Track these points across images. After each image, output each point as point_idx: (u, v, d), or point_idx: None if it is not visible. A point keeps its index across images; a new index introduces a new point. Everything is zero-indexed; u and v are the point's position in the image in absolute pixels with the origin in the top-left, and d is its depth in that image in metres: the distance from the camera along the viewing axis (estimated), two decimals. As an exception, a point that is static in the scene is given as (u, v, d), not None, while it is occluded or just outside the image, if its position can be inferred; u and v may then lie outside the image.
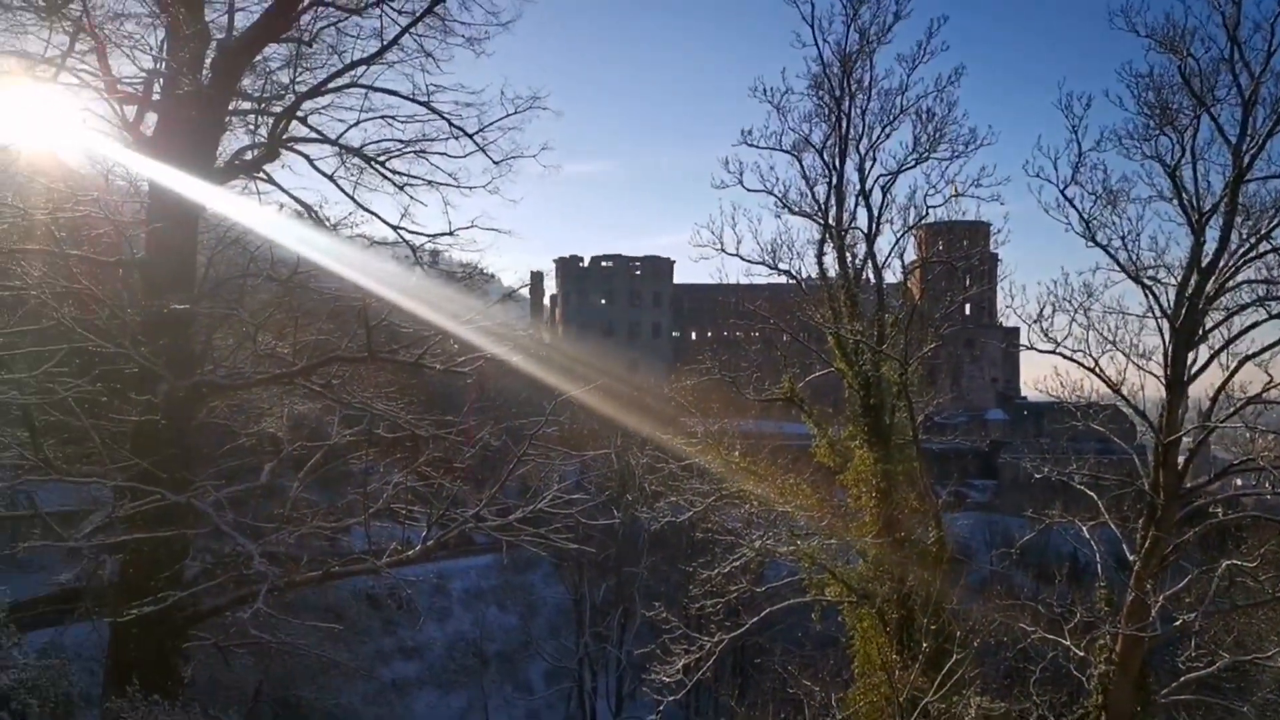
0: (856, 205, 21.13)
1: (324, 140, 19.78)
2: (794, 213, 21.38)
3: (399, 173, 19.98)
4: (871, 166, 20.86)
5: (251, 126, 20.23)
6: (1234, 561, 16.43)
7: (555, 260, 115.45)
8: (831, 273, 21.25)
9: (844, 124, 20.29)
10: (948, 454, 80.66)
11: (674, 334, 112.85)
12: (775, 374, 22.77)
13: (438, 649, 49.21)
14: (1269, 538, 20.32)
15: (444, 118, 19.53)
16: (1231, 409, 17.23)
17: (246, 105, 20.02)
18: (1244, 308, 17.12)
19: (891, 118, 19.93)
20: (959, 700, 15.50)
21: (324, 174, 19.98)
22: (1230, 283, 17.33)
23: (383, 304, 16.59)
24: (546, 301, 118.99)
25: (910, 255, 24.52)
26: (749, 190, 21.32)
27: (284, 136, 19.66)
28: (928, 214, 20.36)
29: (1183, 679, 17.96)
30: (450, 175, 20.00)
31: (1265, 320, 16.82)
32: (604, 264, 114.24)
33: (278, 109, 19.81)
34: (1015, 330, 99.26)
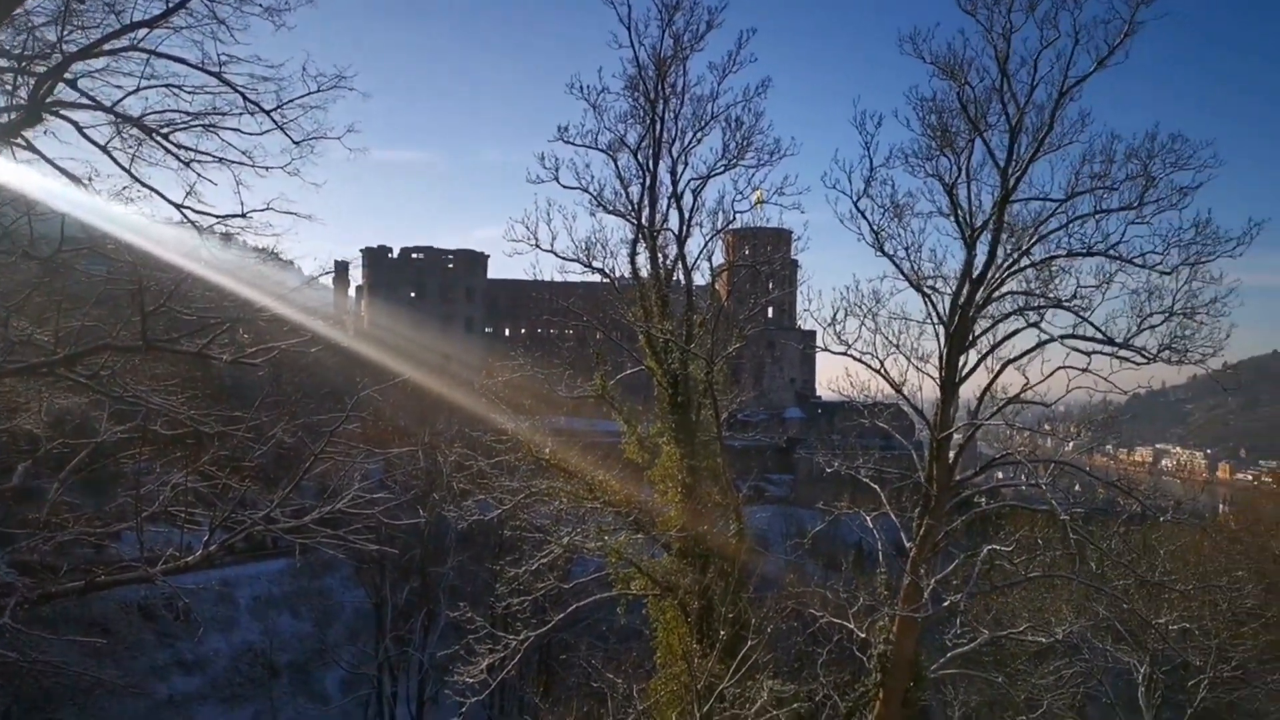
0: (669, 207, 21.65)
1: (97, 107, 17.79)
2: (608, 211, 21.58)
3: (185, 147, 18.27)
4: (683, 170, 21.45)
5: (9, 87, 17.92)
6: (994, 546, 18.08)
7: (362, 250, 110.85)
8: (644, 272, 21.63)
9: (658, 127, 20.70)
10: (749, 450, 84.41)
11: (487, 330, 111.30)
12: (588, 371, 22.91)
13: (222, 661, 45.94)
14: (1023, 524, 22.64)
15: (238, 91, 18.08)
16: (995, 408, 18.97)
17: (3, 63, 17.72)
18: (1006, 316, 18.90)
19: (703, 124, 20.55)
20: (753, 685, 16.18)
21: (96, 144, 17.96)
22: (996, 293, 19.04)
23: (162, 288, 15.16)
24: (352, 293, 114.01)
25: (719, 258, 25.38)
26: (565, 187, 21.33)
27: (48, 100, 17.53)
28: (735, 219, 21.16)
29: (949, 655, 19.66)
30: (244, 153, 18.50)
31: (1024, 328, 18.65)
32: (415, 256, 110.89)
33: (41, 69, 17.66)
34: (812, 333, 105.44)
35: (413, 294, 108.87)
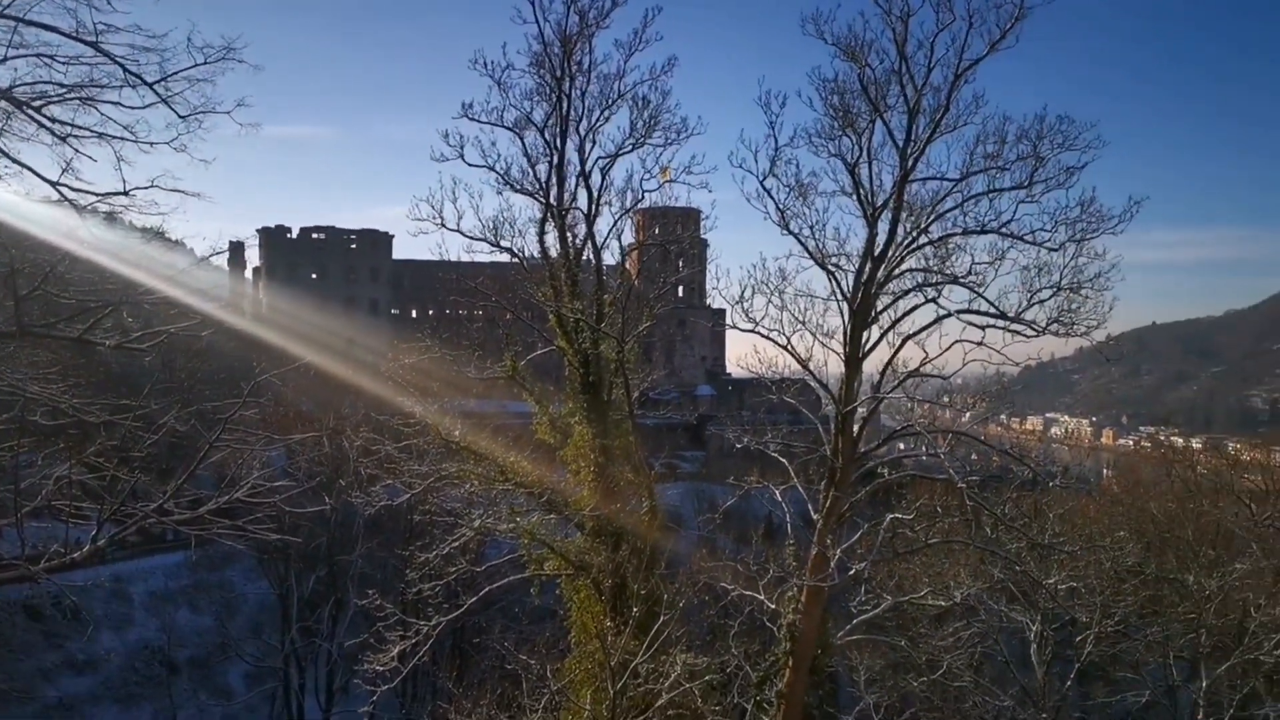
0: (577, 186, 21.44)
1: (-43, 76, 16.55)
2: (516, 190, 21.26)
3: (60, 121, 17.13)
4: (591, 148, 21.26)
5: None
6: (896, 515, 18.71)
7: (259, 230, 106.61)
8: (553, 252, 21.42)
9: (565, 104, 20.45)
10: (661, 428, 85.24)
11: (393, 311, 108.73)
12: (498, 352, 22.63)
13: (116, 660, 43.97)
14: (924, 493, 23.52)
15: (117, 62, 17.00)
16: (896, 382, 19.55)
17: None
18: (907, 293, 19.45)
19: (610, 102, 20.39)
20: (666, 659, 16.38)
21: (-43, 117, 16.74)
22: (897, 271, 19.57)
23: (38, 271, 14.26)
24: (249, 275, 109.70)
25: (628, 237, 25.34)
26: (470, 165, 20.90)
27: (-102, 68, 16.22)
28: (643, 198, 21.12)
29: (855, 621, 20.31)
30: (126, 128, 17.45)
31: (923, 304, 19.22)
32: (315, 236, 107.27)
33: (-110, 34, 16.28)
34: (722, 311, 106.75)
35: (314, 275, 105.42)
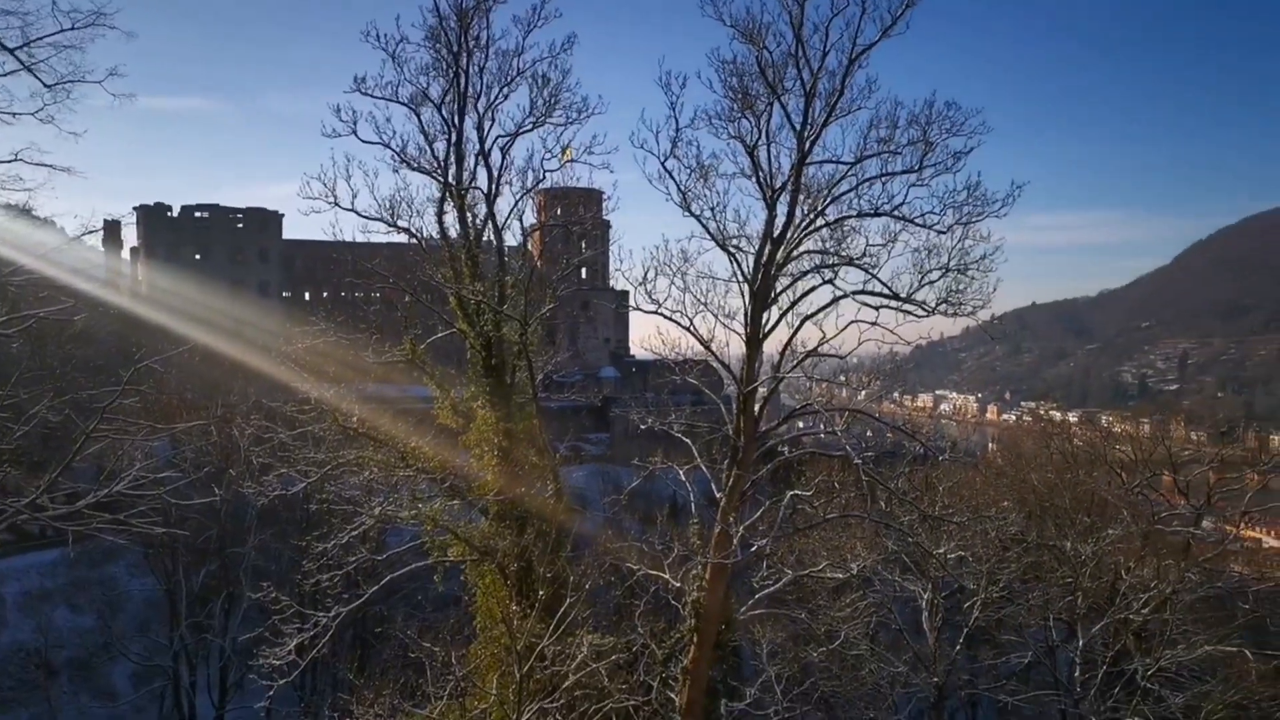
0: (477, 165, 21.07)
1: None
2: (413, 168, 20.74)
3: (-93, 87, 15.85)
4: (491, 127, 20.90)
5: None
6: (795, 492, 19.17)
7: (136, 208, 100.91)
8: (453, 232, 21.01)
9: (462, 81, 20.01)
10: (565, 411, 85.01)
11: (285, 294, 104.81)
12: (397, 335, 22.08)
13: (-13, 665, 41.38)
14: (822, 470, 24.14)
15: (-29, 24, 15.83)
16: (795, 362, 19.95)
17: None
18: (805, 274, 19.84)
19: (509, 79, 20.06)
20: (573, 641, 16.41)
21: None
22: (795, 252, 19.92)
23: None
24: (126, 255, 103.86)
25: (530, 218, 25.03)
26: (364, 142, 20.27)
27: None
28: (545, 178, 20.88)
29: (757, 596, 20.77)
30: (-16, 97, 16.26)
31: (820, 285, 19.64)
32: (198, 214, 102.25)
33: None
34: (625, 293, 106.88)
35: (197, 256, 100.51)
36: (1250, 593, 41.43)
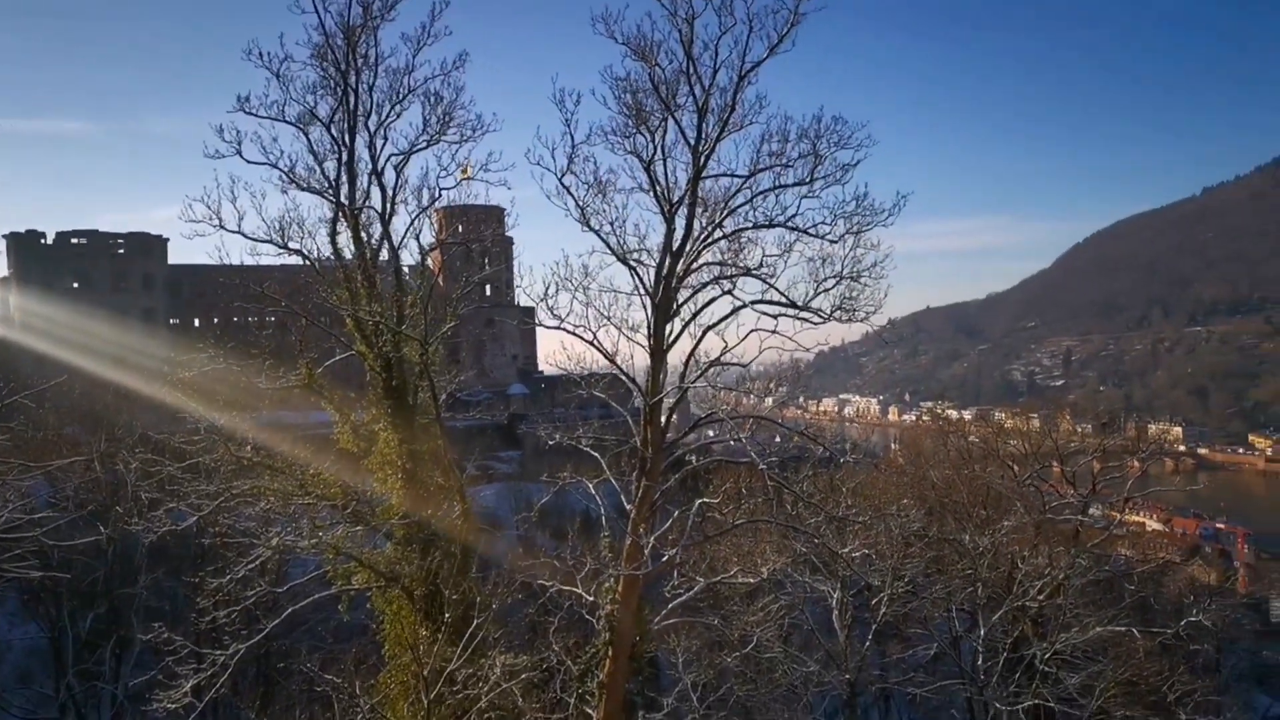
0: (370, 184, 20.66)
1: None
2: (303, 189, 20.17)
3: None
4: (384, 145, 20.52)
5: None
6: (704, 500, 19.38)
7: (6, 235, 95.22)
8: (347, 253, 20.52)
9: (352, 99, 19.62)
10: (474, 430, 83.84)
11: (173, 321, 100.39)
12: (294, 359, 21.40)
13: None
14: (730, 477, 24.51)
15: None
16: (699, 372, 20.22)
17: None
18: (705, 285, 20.16)
19: (400, 97, 19.76)
20: (484, 662, 16.17)
21: None
22: (695, 264, 20.23)
23: None
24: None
25: (428, 237, 24.66)
26: (250, 162, 19.62)
27: None
28: (440, 195, 20.63)
29: (670, 605, 20.88)
30: None
31: (720, 296, 19.99)
32: (75, 241, 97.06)
33: None
34: (531, 309, 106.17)
35: (75, 284, 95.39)
36: (1135, 574, 43.91)
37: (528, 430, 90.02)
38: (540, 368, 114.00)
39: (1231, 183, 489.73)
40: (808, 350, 21.11)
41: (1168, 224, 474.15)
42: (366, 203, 20.37)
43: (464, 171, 21.27)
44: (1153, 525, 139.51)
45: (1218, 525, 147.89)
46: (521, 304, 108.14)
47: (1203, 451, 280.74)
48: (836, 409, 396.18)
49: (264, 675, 36.93)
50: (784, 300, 19.18)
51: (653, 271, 19.89)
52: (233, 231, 19.30)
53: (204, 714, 34.82)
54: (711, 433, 27.16)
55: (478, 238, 31.44)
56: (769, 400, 23.54)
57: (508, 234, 28.47)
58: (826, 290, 19.21)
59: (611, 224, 19.50)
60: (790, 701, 29.84)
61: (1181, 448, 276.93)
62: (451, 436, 23.70)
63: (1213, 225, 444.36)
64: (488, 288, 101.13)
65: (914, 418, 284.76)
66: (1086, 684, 29.82)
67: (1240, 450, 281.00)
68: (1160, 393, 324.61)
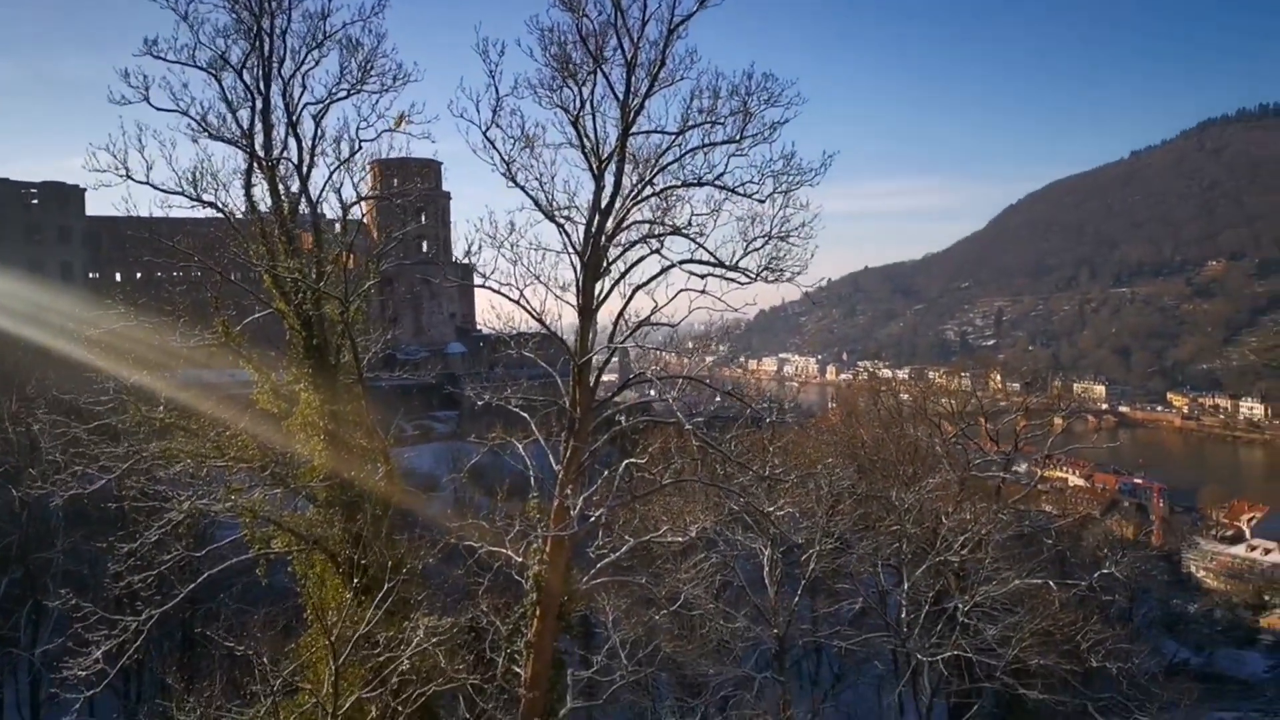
0: (287, 135, 19.88)
1: None
2: (215, 138, 19.32)
3: None
4: (301, 94, 19.75)
5: None
6: (631, 460, 19.36)
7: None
8: (263, 206, 19.75)
9: (266, 44, 18.78)
10: (413, 389, 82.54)
11: (93, 275, 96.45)
12: (212, 316, 20.62)
13: None
14: (660, 437, 24.52)
15: None
16: (628, 331, 20.07)
17: None
18: (634, 244, 19.94)
19: (317, 43, 18.96)
20: (408, 624, 16.02)
21: None
22: (625, 222, 19.96)
23: None
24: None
25: (350, 190, 23.90)
26: (158, 109, 18.70)
27: None
28: (361, 147, 19.93)
29: (599, 565, 20.94)
30: None
31: (649, 254, 19.78)
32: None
33: None
34: (470, 266, 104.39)
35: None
36: (1053, 529, 45.59)
37: (465, 390, 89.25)
38: (479, 326, 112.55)
39: (1158, 147, 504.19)
40: (736, 310, 21.07)
41: (1097, 187, 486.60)
42: (284, 154, 19.61)
43: (399, 121, 20.59)
44: (1075, 481, 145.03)
45: (1136, 480, 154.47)
46: (462, 261, 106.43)
47: (1124, 409, 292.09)
48: (776, 368, 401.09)
49: (188, 639, 36.27)
50: (712, 260, 19.08)
51: (582, 229, 19.58)
52: (140, 182, 18.43)
53: (128, 679, 34.14)
54: (640, 393, 27.10)
55: (402, 192, 30.60)
56: (710, 359, 23.50)
57: (444, 189, 27.68)
58: (756, 250, 19.14)
59: (539, 179, 19.11)
60: (720, 656, 30.38)
61: (1104, 406, 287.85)
62: (388, 396, 23.41)
63: (1139, 189, 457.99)
64: (424, 244, 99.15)
65: (851, 377, 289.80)
66: (1004, 635, 30.91)
67: (1159, 408, 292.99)
68: (1086, 352, 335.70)
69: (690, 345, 20.88)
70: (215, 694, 16.06)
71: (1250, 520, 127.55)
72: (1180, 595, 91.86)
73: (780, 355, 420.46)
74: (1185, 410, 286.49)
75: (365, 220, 25.35)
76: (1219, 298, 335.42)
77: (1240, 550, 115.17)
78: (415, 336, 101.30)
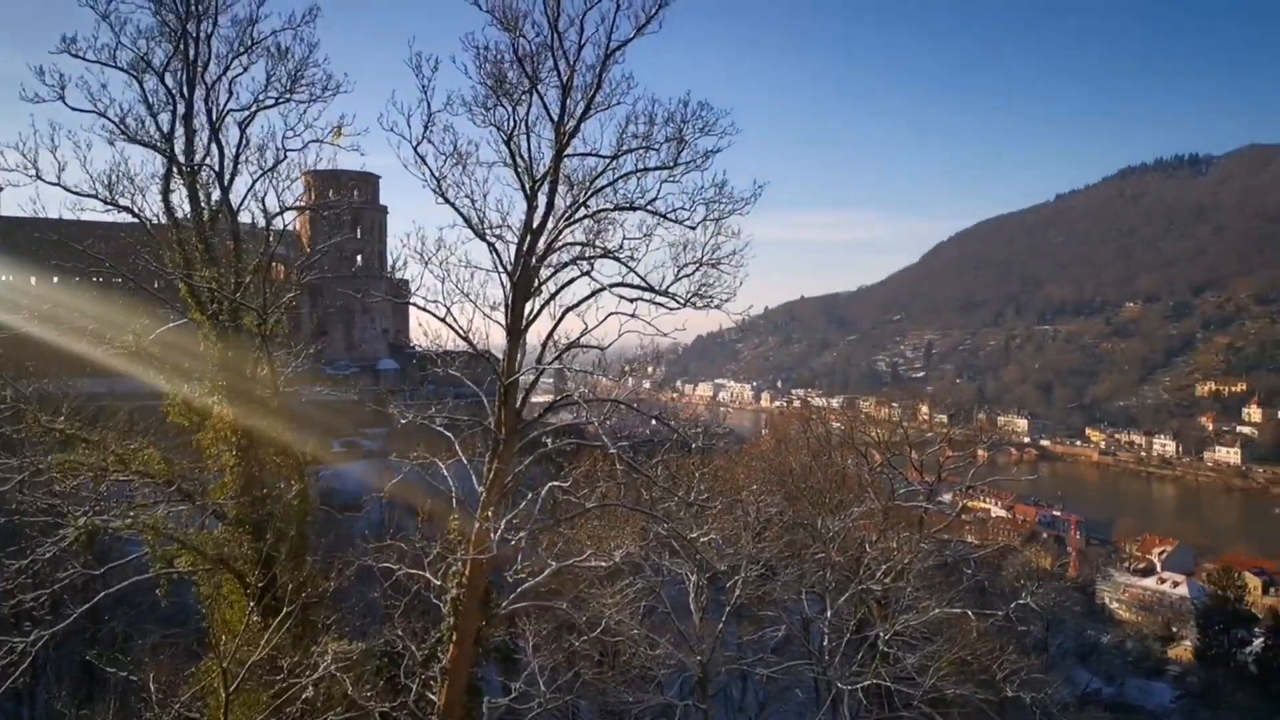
0: (210, 141, 19.32)
1: None
2: (134, 141, 18.69)
3: None
4: (228, 100, 19.26)
5: None
6: (554, 484, 19.14)
7: None
8: (181, 213, 19.13)
9: (191, 49, 18.26)
10: (342, 406, 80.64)
11: (3, 278, 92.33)
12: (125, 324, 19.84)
13: None
14: (588, 460, 24.36)
15: None
16: (556, 353, 19.91)
17: None
18: (565, 265, 19.84)
19: (245, 49, 18.52)
20: (316, 649, 15.50)
21: None
22: (557, 243, 19.87)
23: None
24: None
25: (274, 200, 23.35)
26: (75, 110, 18.05)
27: None
28: (286, 157, 19.48)
29: (519, 590, 20.59)
30: None
31: (579, 276, 19.71)
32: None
33: None
34: (406, 281, 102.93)
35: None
36: (973, 559, 46.54)
37: (397, 408, 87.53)
38: (413, 343, 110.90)
39: (1082, 190, 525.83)
40: (666, 334, 21.06)
41: (1024, 227, 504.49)
42: (206, 160, 19.06)
43: (336, 133, 20.23)
44: (998, 512, 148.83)
45: (1054, 513, 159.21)
46: (397, 277, 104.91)
47: (1045, 443, 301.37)
48: (712, 394, 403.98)
49: (86, 663, 34.60)
50: (643, 284, 19.07)
51: (514, 249, 19.41)
52: (51, 183, 17.71)
53: (23, 702, 32.35)
54: (572, 416, 26.84)
55: (330, 204, 30.07)
56: (647, 383, 23.37)
57: (382, 203, 27.25)
58: (688, 275, 19.21)
59: (471, 197, 18.90)
60: (643, 683, 30.13)
61: (1027, 439, 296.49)
62: (318, 412, 22.64)
63: (1063, 230, 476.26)
64: (359, 258, 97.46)
65: (784, 404, 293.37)
66: (923, 664, 31.31)
67: (1078, 443, 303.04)
68: (1010, 386, 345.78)
69: (623, 369, 20.79)
70: (109, 718, 15.28)
71: (1161, 554, 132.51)
72: (1094, 626, 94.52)
73: (716, 381, 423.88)
74: (1102, 445, 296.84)
75: (298, 232, 24.75)
76: (1136, 338, 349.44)
77: (1151, 583, 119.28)
78: (347, 351, 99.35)
